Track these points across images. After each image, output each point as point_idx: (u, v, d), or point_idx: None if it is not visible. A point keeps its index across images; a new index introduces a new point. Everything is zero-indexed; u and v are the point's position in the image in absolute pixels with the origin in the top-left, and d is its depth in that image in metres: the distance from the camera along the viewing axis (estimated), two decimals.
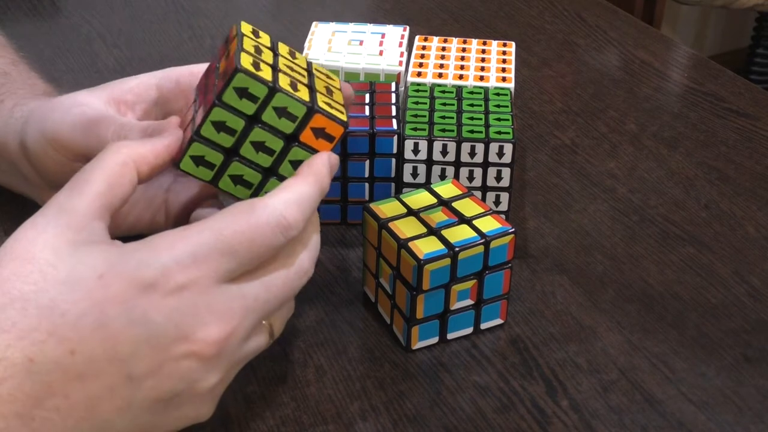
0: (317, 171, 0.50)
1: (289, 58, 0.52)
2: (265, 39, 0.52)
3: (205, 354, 0.45)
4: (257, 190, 0.51)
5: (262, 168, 0.50)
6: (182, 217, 0.58)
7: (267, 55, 0.51)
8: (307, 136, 0.50)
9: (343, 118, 0.51)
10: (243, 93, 0.48)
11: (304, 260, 0.49)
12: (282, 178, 0.51)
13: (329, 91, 0.52)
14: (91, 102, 0.57)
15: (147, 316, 0.43)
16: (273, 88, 0.49)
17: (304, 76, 0.52)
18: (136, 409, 0.45)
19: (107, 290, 0.43)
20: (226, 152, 0.50)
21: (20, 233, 0.45)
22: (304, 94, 0.50)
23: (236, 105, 0.49)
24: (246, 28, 0.52)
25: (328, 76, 0.54)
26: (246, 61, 0.49)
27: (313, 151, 0.50)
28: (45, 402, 0.42)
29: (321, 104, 0.50)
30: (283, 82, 0.49)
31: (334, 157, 0.51)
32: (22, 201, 0.67)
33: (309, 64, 0.53)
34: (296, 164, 0.51)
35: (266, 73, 0.49)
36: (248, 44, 0.50)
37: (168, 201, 0.59)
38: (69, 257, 0.44)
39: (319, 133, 0.50)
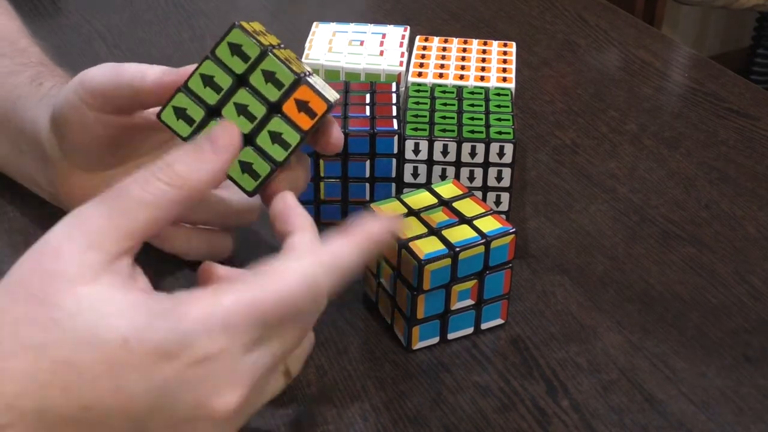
0: (368, 235, 0.47)
1: (292, 58, 0.53)
2: (272, 38, 0.53)
3: (222, 418, 0.43)
4: None
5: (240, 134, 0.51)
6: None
7: (270, 39, 0.51)
8: (289, 107, 0.50)
9: (329, 98, 0.51)
10: (236, 50, 0.49)
11: (322, 296, 0.46)
12: (258, 150, 0.50)
13: (324, 87, 0.52)
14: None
15: (167, 385, 0.42)
16: (265, 50, 0.49)
17: (301, 69, 0.52)
18: None
19: (129, 356, 0.41)
20: (208, 109, 0.50)
21: (39, 259, 0.42)
22: (296, 67, 0.50)
23: (227, 61, 0.49)
24: (258, 24, 0.53)
25: (328, 85, 0.54)
26: (246, 24, 0.50)
27: (293, 124, 0.50)
28: None
29: (309, 80, 0.50)
30: (278, 52, 0.50)
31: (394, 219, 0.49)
32: (23, 202, 0.67)
33: (310, 71, 0.54)
34: (274, 136, 0.50)
35: (262, 39, 0.50)
36: (254, 26, 0.51)
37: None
38: (91, 309, 0.41)
39: (302, 106, 0.50)
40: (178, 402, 0.42)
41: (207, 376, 0.42)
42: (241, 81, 0.50)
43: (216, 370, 0.42)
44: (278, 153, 0.50)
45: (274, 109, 0.50)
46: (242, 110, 0.50)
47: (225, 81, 0.50)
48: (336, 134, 0.53)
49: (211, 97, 0.50)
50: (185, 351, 0.41)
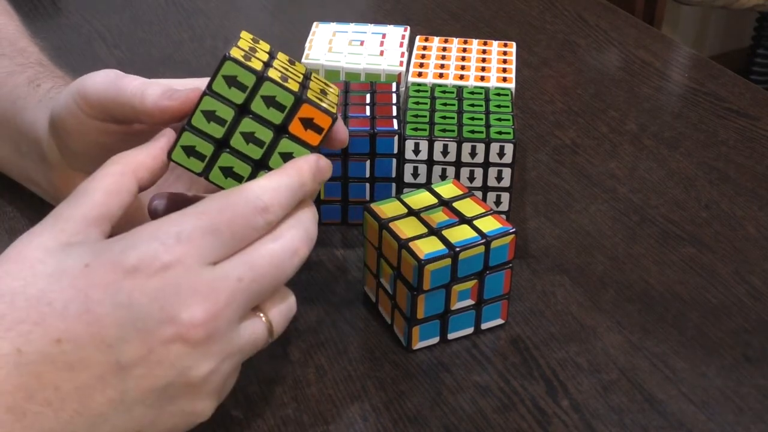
0: (298, 166, 0.50)
1: (287, 64, 0.53)
2: (264, 45, 0.53)
3: (192, 337, 0.45)
4: None
5: (252, 160, 0.51)
6: None
7: (261, 55, 0.51)
8: (295, 126, 0.51)
9: (332, 110, 0.51)
10: (232, 81, 0.49)
11: (294, 239, 0.49)
12: None
13: (323, 92, 0.53)
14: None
15: (131, 299, 0.44)
16: (261, 77, 0.50)
17: (298, 77, 0.52)
18: (129, 401, 0.44)
19: (92, 277, 0.44)
20: (217, 143, 0.51)
21: (18, 240, 0.46)
22: (293, 85, 0.51)
23: (225, 94, 0.50)
24: (246, 35, 0.53)
25: (327, 84, 0.54)
26: (236, 52, 0.50)
27: (302, 143, 0.51)
28: (35, 395, 0.43)
29: (309, 96, 0.51)
30: (273, 73, 0.50)
31: (324, 160, 0.51)
32: (23, 202, 0.67)
33: (308, 71, 0.54)
34: (286, 156, 0.51)
35: (256, 65, 0.50)
36: (243, 44, 0.52)
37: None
38: (58, 253, 0.45)
39: (308, 123, 0.51)
40: (146, 318, 0.44)
41: (169, 287, 0.44)
42: (243, 110, 0.50)
43: (177, 280, 0.44)
44: None
45: (281, 130, 0.51)
46: (250, 138, 0.50)
47: (227, 113, 0.50)
48: (341, 131, 0.53)
49: (217, 131, 0.50)
50: (143, 263, 0.44)
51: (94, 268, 0.44)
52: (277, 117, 0.50)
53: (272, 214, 0.48)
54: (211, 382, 0.47)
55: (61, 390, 0.43)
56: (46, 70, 0.66)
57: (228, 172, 0.51)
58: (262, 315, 0.49)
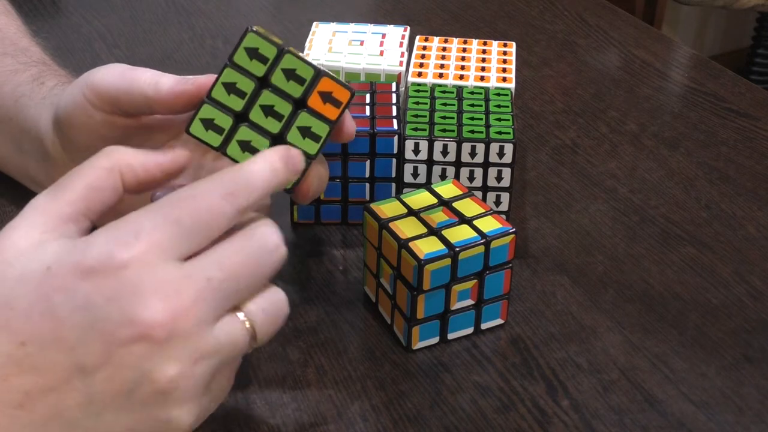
0: (266, 155, 0.48)
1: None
2: (276, 39, 0.53)
3: (154, 337, 0.43)
4: None
5: (270, 134, 0.51)
6: None
7: (277, 40, 0.52)
8: (314, 100, 0.51)
9: (350, 85, 0.52)
10: (253, 54, 0.50)
11: (272, 235, 0.46)
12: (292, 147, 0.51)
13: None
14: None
15: (88, 301, 0.43)
16: (282, 49, 0.50)
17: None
18: (98, 405, 0.43)
19: (53, 279, 0.43)
20: (236, 116, 0.51)
21: None
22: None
23: (246, 66, 0.50)
24: (260, 28, 0.53)
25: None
26: (258, 27, 0.50)
27: (321, 117, 0.51)
28: (5, 398, 0.42)
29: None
30: (293, 48, 0.51)
31: (294, 150, 0.50)
32: (25, 202, 0.67)
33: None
34: (304, 130, 0.51)
35: (276, 39, 0.51)
36: (261, 29, 0.52)
37: None
38: (26, 255, 0.44)
39: (327, 97, 0.51)
40: (104, 319, 0.43)
41: (128, 287, 0.43)
42: (263, 83, 0.51)
43: (136, 279, 0.43)
44: (310, 147, 0.51)
45: (300, 104, 0.51)
46: (269, 111, 0.51)
47: (248, 85, 0.50)
48: (348, 122, 0.53)
49: (237, 104, 0.51)
50: (100, 264, 0.43)
51: (54, 270, 0.43)
52: (296, 90, 0.51)
53: (242, 198, 0.46)
54: (184, 387, 0.44)
55: (30, 394, 0.43)
56: (49, 68, 0.66)
57: (245, 146, 0.51)
58: (241, 315, 0.46)
